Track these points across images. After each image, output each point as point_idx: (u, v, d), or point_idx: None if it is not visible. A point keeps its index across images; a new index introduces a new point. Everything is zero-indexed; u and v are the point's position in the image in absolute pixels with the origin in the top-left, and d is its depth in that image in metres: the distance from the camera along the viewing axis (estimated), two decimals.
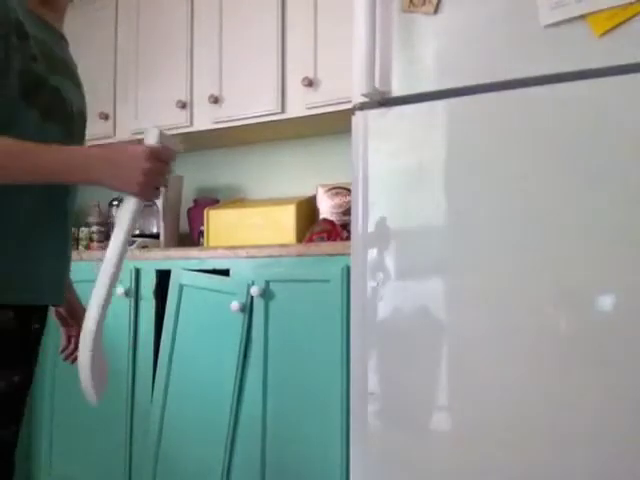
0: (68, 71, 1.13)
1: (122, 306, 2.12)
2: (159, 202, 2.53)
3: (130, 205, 1.08)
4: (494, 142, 1.38)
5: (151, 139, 1.05)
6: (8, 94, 0.98)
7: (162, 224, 2.55)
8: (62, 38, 1.15)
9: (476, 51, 1.40)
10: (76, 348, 1.23)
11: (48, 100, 1.05)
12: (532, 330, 1.31)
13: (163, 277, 2.10)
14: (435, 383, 1.42)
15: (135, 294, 2.14)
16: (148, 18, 2.62)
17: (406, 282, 1.46)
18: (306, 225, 2.27)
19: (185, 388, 2.02)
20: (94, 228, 2.74)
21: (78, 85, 1.16)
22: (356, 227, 1.53)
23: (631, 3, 1.24)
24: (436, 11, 1.44)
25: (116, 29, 2.70)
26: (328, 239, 2.08)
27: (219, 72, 2.44)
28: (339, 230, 2.14)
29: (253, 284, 1.90)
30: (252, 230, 2.27)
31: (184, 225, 2.72)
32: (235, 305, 1.89)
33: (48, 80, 1.04)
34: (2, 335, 1.06)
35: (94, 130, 2.66)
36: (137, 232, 2.60)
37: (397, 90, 1.47)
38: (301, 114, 2.27)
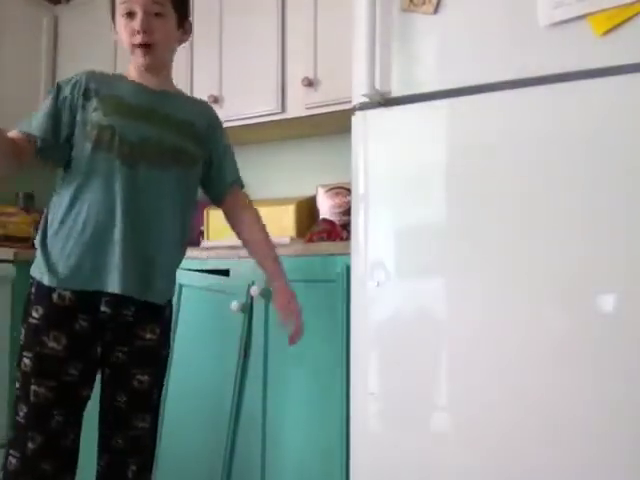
0: (142, 114, 1.50)
1: None
2: None
3: None
4: (494, 142, 1.38)
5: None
6: (78, 136, 1.47)
7: None
8: (156, 93, 1.55)
9: (476, 51, 1.40)
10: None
11: (97, 135, 1.45)
12: (532, 330, 1.31)
13: None
14: (435, 383, 1.42)
15: None
16: None
17: (406, 282, 1.46)
18: (306, 225, 2.27)
19: (185, 388, 2.01)
20: None
21: (158, 123, 1.50)
22: (356, 227, 1.53)
23: (631, 3, 1.24)
24: (436, 11, 1.44)
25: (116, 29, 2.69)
26: (328, 239, 2.08)
27: (219, 72, 2.44)
28: (339, 230, 2.14)
29: (253, 284, 1.90)
30: None
31: None
32: (235, 305, 1.89)
33: (101, 122, 1.45)
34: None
35: None
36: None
37: (397, 90, 1.47)
38: (301, 114, 2.27)
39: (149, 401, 1.53)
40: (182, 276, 2.04)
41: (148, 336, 1.51)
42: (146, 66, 1.52)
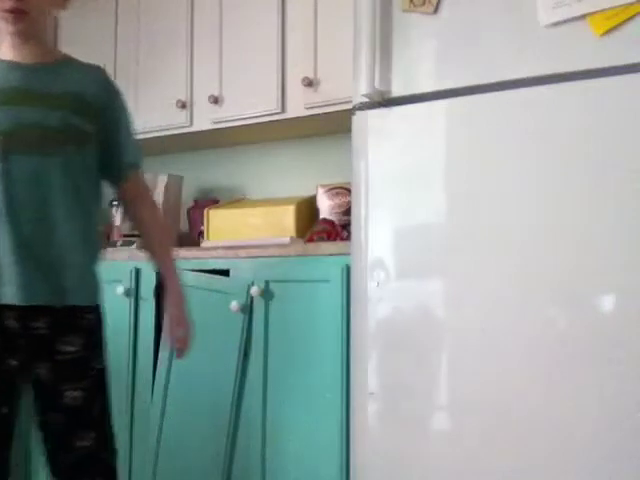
0: (18, 97, 1.35)
1: (122, 306, 2.12)
2: (159, 202, 2.53)
3: None
4: (494, 142, 1.38)
5: None
6: None
7: None
8: (32, 67, 1.38)
9: (476, 51, 1.40)
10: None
11: None
12: (532, 330, 1.31)
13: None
14: (435, 383, 1.42)
15: (135, 294, 2.13)
16: (148, 18, 2.62)
17: (406, 282, 1.46)
18: (306, 225, 2.27)
19: (185, 388, 2.01)
20: None
21: (38, 103, 1.35)
22: (356, 227, 1.53)
23: (631, 3, 1.24)
24: (436, 11, 1.44)
25: (116, 29, 2.70)
26: (328, 239, 2.08)
27: (219, 72, 2.43)
28: (339, 230, 2.14)
29: (253, 284, 1.90)
30: (252, 230, 2.27)
31: (184, 225, 2.71)
32: (235, 305, 1.89)
33: None
34: None
35: None
36: (137, 232, 2.59)
37: (397, 90, 1.47)
38: (301, 114, 2.27)
39: (88, 417, 1.37)
40: (182, 276, 2.04)
41: (69, 349, 1.35)
42: (17, 34, 1.36)
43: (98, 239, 1.47)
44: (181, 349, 1.51)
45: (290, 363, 1.85)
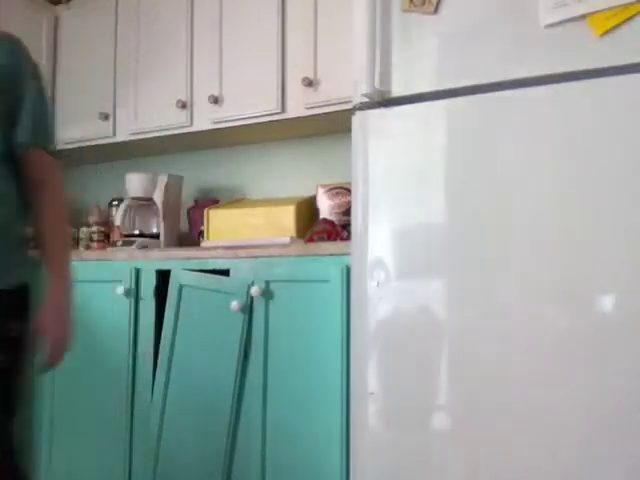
0: None
1: (122, 306, 2.12)
2: (159, 202, 2.53)
3: None
4: (493, 142, 1.38)
5: None
6: None
7: (162, 224, 2.55)
8: None
9: (476, 51, 1.40)
10: None
11: None
12: (532, 330, 1.31)
13: (163, 277, 2.09)
14: (435, 383, 1.42)
15: (135, 294, 2.13)
16: (148, 18, 2.62)
17: (406, 282, 1.46)
18: (306, 225, 2.27)
19: (185, 388, 2.01)
20: (94, 228, 2.73)
21: None
22: (356, 227, 1.53)
23: (631, 3, 1.24)
24: (436, 11, 1.44)
25: (116, 29, 2.70)
26: (328, 239, 2.08)
27: (219, 72, 2.43)
28: (339, 230, 2.14)
29: (253, 284, 1.90)
30: (252, 230, 2.27)
31: (184, 225, 2.72)
32: (235, 305, 1.89)
33: None
34: None
35: (94, 130, 2.66)
36: (137, 232, 2.60)
37: (397, 90, 1.47)
38: (301, 114, 2.27)
39: None
40: (182, 276, 2.04)
41: None
42: None
43: (13, 231, 1.28)
44: (51, 362, 1.26)
45: (290, 363, 1.85)
